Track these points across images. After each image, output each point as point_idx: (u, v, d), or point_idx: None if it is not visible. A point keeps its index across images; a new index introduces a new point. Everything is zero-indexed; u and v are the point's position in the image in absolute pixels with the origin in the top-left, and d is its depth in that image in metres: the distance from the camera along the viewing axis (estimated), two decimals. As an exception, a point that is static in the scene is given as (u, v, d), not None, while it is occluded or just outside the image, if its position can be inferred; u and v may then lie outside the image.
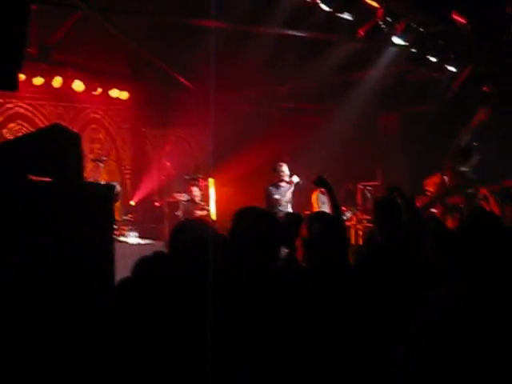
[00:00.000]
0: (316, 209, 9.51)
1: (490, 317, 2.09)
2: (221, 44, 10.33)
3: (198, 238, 2.99)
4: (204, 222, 5.47)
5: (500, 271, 2.38)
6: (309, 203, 10.02)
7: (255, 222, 3.13)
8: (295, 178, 9.69)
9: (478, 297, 2.15)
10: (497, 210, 5.60)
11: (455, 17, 9.05)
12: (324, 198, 8.20)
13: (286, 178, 9.64)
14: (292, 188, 9.68)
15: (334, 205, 4.54)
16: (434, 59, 10.52)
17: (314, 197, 9.83)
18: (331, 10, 8.67)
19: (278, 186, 9.61)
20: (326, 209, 5.55)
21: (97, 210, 2.35)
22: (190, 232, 3.18)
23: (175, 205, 10.66)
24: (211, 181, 10.78)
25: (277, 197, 9.45)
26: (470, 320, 2.02)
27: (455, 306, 2.11)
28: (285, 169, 9.68)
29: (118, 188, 9.27)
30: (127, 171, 12.04)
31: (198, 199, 10.56)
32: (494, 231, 2.56)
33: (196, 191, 10.57)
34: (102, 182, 9.02)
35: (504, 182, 10.18)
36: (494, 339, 2.05)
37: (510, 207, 5.87)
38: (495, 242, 2.48)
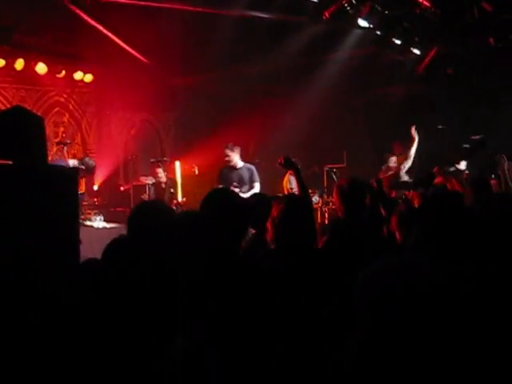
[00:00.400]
0: (288, 191, 9.48)
1: (428, 291, 2.14)
2: (187, 26, 10.27)
3: (156, 219, 3.01)
4: (160, 202, 5.41)
5: (457, 250, 2.43)
6: (279, 186, 10.01)
7: (224, 203, 3.15)
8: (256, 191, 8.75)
9: (416, 271, 2.20)
10: (459, 188, 5.68)
11: (419, -1, 9.12)
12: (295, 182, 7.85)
13: (234, 164, 8.87)
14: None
15: (301, 185, 4.57)
16: (398, 42, 10.60)
17: (285, 179, 9.83)
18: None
19: (230, 169, 8.94)
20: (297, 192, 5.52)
21: (61, 192, 2.32)
22: (147, 215, 3.17)
23: (141, 188, 10.60)
24: (177, 164, 10.71)
25: (222, 182, 8.69)
26: (408, 295, 2.06)
27: (395, 281, 2.15)
28: (230, 153, 8.85)
29: (94, 162, 9.19)
30: (92, 155, 11.90)
31: (163, 182, 10.50)
32: (451, 210, 2.60)
33: (161, 173, 10.50)
34: (75, 161, 8.91)
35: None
36: (432, 314, 2.10)
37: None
38: (451, 220, 2.52)
